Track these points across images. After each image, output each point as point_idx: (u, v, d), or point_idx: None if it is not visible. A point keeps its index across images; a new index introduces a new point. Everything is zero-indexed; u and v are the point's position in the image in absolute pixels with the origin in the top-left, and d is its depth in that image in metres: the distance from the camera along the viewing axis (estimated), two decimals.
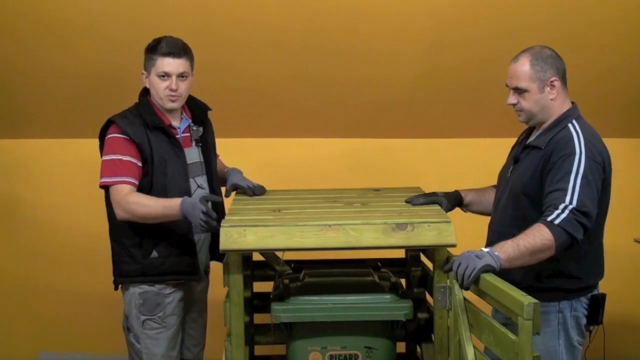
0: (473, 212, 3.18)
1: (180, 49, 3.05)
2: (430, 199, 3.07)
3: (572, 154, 2.67)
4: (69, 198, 4.50)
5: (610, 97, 4.15)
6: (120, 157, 3.01)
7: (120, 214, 3.00)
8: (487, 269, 2.52)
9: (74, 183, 4.47)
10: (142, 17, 3.70)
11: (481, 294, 2.55)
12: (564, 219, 2.58)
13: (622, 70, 3.99)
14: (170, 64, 3.03)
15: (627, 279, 4.48)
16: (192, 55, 3.11)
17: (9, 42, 3.84)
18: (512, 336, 2.35)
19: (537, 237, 2.57)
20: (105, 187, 3.06)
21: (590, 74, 4.00)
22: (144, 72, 3.10)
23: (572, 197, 2.61)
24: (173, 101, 3.08)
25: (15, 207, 4.55)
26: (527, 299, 2.26)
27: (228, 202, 3.22)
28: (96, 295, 4.43)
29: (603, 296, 2.81)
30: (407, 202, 3.09)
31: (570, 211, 2.59)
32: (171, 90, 3.05)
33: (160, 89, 3.06)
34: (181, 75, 3.05)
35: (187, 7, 3.66)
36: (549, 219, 2.59)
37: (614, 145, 4.37)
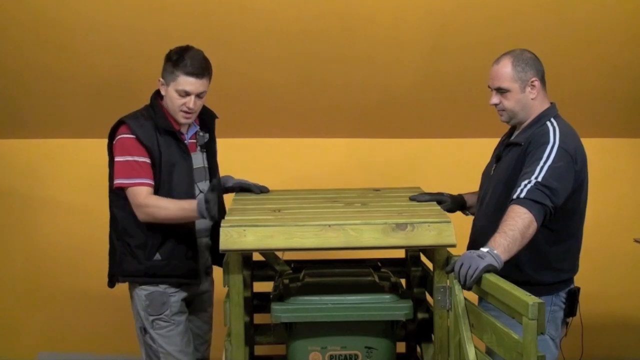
0: (473, 214, 3.21)
1: (203, 69, 3.04)
2: (435, 197, 3.16)
3: (546, 143, 2.80)
4: (71, 198, 4.50)
5: (611, 97, 4.16)
6: (135, 158, 3.03)
7: (141, 217, 3.04)
8: (490, 268, 2.53)
9: (79, 183, 4.47)
10: (148, 22, 3.70)
11: (484, 294, 2.55)
12: (528, 190, 2.69)
13: (623, 71, 3.99)
14: (192, 84, 3.02)
15: (627, 279, 4.49)
16: (212, 72, 3.10)
17: (23, 45, 3.85)
18: (516, 336, 2.35)
19: (516, 217, 2.64)
20: (121, 188, 3.07)
21: (590, 76, 4.01)
22: (161, 79, 3.08)
23: (537, 175, 2.72)
24: (187, 118, 3.10)
25: (16, 208, 4.55)
26: (531, 299, 2.26)
27: (228, 202, 3.24)
28: (96, 295, 4.42)
29: (578, 289, 2.93)
30: (411, 199, 3.15)
31: (534, 184, 2.70)
32: (188, 108, 3.05)
33: (177, 105, 3.06)
34: (200, 95, 3.06)
35: (192, 12, 3.65)
36: (515, 196, 2.71)
37: (614, 145, 4.45)
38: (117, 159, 3.06)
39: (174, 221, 3.04)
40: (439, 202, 3.13)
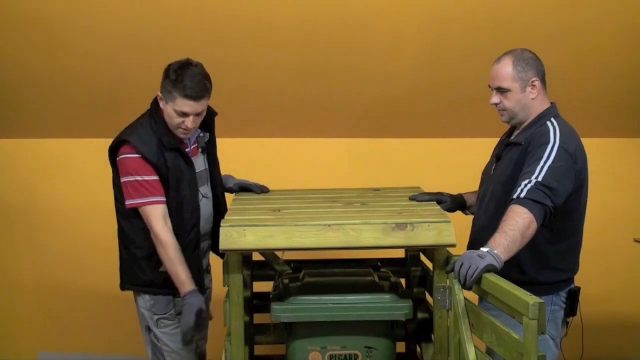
0: (473, 214, 3.21)
1: (202, 91, 2.96)
2: (435, 197, 3.16)
3: (547, 143, 2.79)
4: (71, 198, 4.50)
5: (611, 97, 4.16)
6: (144, 178, 2.99)
7: (152, 236, 3.02)
8: (490, 268, 2.53)
9: (79, 184, 4.47)
10: (146, 19, 3.69)
11: (484, 294, 2.55)
12: (529, 190, 2.69)
13: (623, 72, 4.00)
14: (191, 106, 2.96)
15: (627, 279, 4.48)
16: (211, 89, 3.02)
17: (22, 47, 3.85)
18: (517, 336, 2.35)
19: (517, 217, 2.64)
20: (134, 209, 3.04)
21: (590, 76, 4.00)
22: (160, 95, 3.01)
23: (538, 175, 2.72)
24: (185, 134, 3.07)
25: (15, 208, 4.55)
26: (532, 299, 2.26)
27: (229, 202, 3.24)
28: (97, 295, 4.43)
29: (578, 289, 2.92)
30: (411, 199, 3.15)
31: (534, 184, 2.69)
32: (186, 126, 3.01)
33: (175, 123, 3.01)
34: (199, 114, 3.02)
35: (191, 11, 3.65)
36: (515, 196, 2.70)
37: (614, 145, 4.44)
38: (124, 179, 3.01)
39: (165, 266, 3.02)
40: (439, 202, 3.14)
